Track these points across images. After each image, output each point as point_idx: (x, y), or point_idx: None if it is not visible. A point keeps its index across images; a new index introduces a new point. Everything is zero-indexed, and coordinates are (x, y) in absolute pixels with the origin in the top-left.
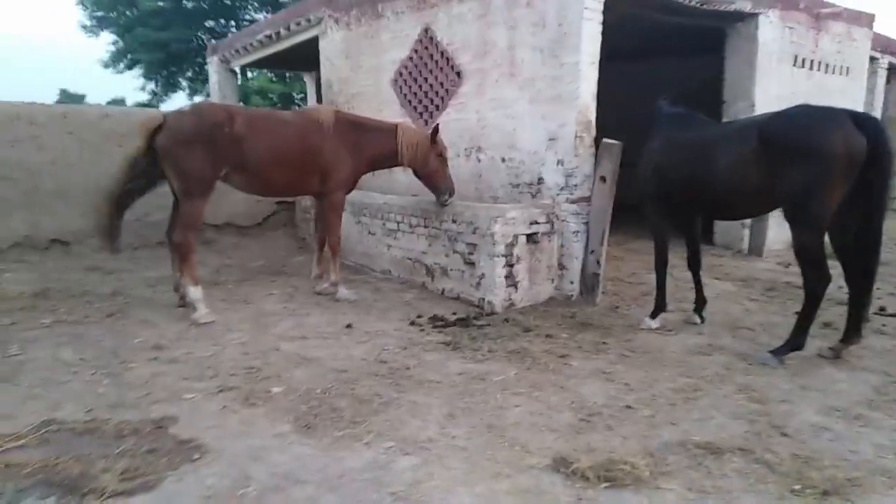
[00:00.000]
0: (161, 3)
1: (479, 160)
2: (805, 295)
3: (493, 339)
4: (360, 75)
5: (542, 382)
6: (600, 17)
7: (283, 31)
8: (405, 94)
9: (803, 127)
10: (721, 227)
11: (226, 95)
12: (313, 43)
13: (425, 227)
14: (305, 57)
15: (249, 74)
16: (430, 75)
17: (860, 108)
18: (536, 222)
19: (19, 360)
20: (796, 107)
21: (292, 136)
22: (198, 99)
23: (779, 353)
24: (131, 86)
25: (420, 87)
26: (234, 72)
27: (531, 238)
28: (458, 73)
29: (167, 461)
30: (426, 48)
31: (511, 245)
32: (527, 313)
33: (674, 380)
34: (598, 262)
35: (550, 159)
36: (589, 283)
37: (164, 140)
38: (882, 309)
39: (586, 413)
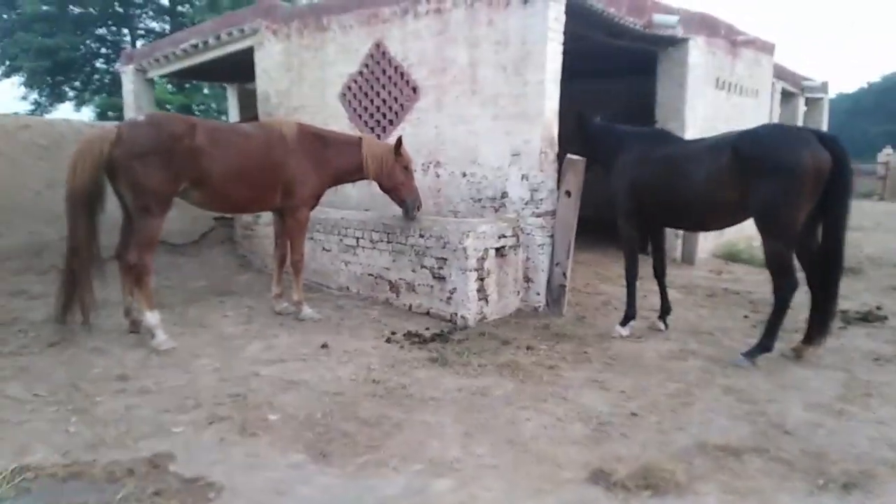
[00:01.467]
0: (46, 8)
1: (438, 175)
2: (774, 300)
3: (477, 353)
4: (302, 88)
5: (542, 395)
6: (561, 38)
7: (211, 41)
8: (355, 109)
9: (775, 145)
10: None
11: (141, 107)
12: (245, 54)
13: (388, 242)
14: (232, 68)
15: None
16: (383, 90)
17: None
18: (504, 236)
19: None
20: (766, 125)
21: (254, 149)
22: (86, 111)
23: (750, 355)
24: (10, 95)
25: (371, 101)
26: (151, 81)
27: (499, 251)
28: (414, 89)
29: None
30: (378, 63)
31: (482, 259)
32: (499, 326)
33: (664, 385)
34: (564, 274)
35: (514, 174)
36: (555, 294)
37: (118, 153)
38: (878, 308)
39: (597, 423)
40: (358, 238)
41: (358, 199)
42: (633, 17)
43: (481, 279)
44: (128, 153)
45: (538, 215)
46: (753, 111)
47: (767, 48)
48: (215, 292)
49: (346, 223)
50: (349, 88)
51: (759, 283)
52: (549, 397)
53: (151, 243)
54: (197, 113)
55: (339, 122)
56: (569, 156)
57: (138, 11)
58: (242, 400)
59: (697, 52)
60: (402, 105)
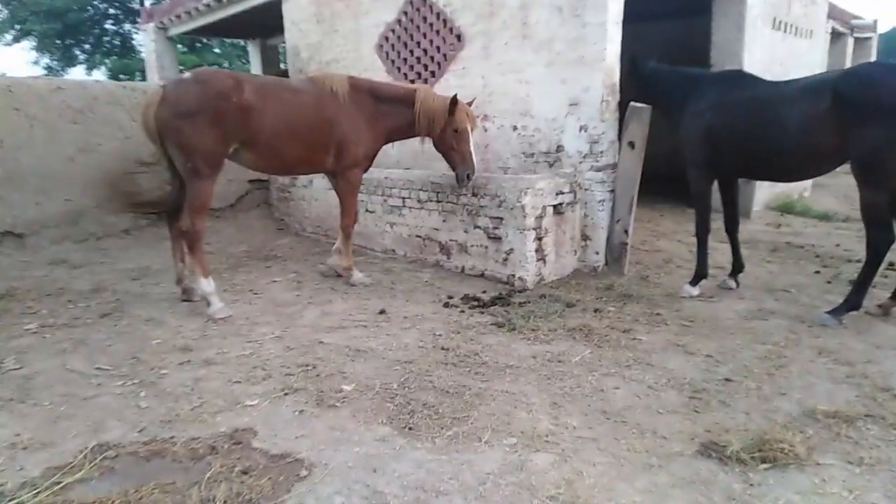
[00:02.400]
0: None
1: (486, 129)
2: (868, 254)
3: (543, 317)
4: (335, 41)
5: (623, 360)
6: None
7: None
8: (393, 61)
9: (883, 87)
10: None
11: (164, 66)
12: (269, 7)
13: (437, 202)
14: (254, 23)
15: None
16: (424, 39)
17: (819, 69)
18: (562, 192)
19: (24, 375)
20: (867, 64)
21: (305, 106)
22: (97, 74)
23: (837, 312)
24: (21, 59)
25: (412, 52)
26: (172, 40)
27: (557, 209)
28: (458, 37)
29: (271, 482)
30: (418, 10)
31: (540, 217)
32: (559, 287)
33: (752, 348)
34: (625, 231)
35: (571, 126)
36: (616, 252)
37: (165, 113)
38: (891, 264)
39: (691, 390)
40: (404, 198)
41: (398, 157)
42: None
43: (539, 238)
44: (174, 113)
45: (598, 169)
46: (808, 53)
47: None
48: (258, 257)
49: (391, 182)
50: (386, 39)
51: (821, 236)
52: (632, 363)
53: (203, 207)
54: None
55: (376, 75)
56: (633, 103)
57: None
58: (312, 370)
59: None
60: (444, 55)
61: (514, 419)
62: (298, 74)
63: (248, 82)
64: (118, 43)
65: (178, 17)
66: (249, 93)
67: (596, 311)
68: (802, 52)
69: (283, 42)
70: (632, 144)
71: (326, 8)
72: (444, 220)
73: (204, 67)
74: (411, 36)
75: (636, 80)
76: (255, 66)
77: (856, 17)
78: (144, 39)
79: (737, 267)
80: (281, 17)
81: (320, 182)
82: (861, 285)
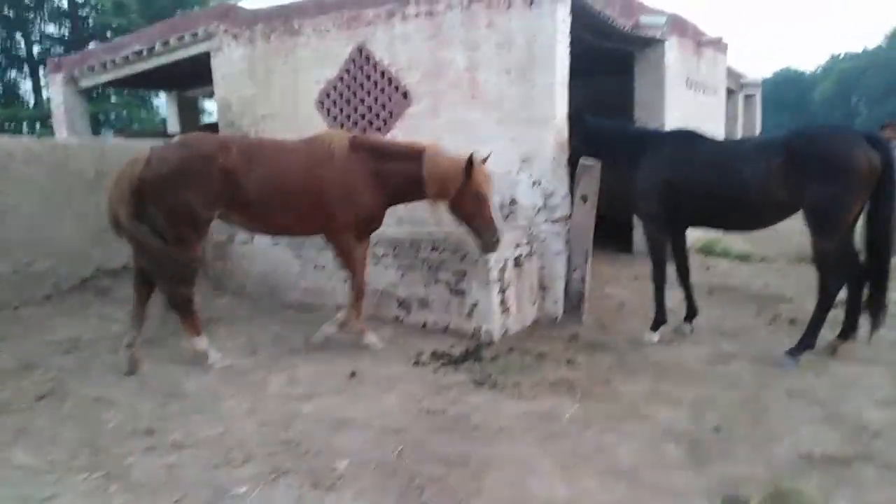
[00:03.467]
0: None
1: None
2: (820, 297)
3: (519, 371)
4: (271, 95)
5: (613, 414)
6: (568, 39)
7: (158, 47)
8: (335, 117)
9: (832, 146)
10: (639, 236)
11: (74, 120)
12: (192, 60)
13: (395, 256)
14: (171, 75)
15: (45, 94)
16: (368, 97)
17: (722, 122)
18: (520, 244)
19: None
20: (817, 127)
21: (294, 167)
22: None
23: (794, 353)
24: None
25: (355, 108)
26: (84, 92)
27: (517, 261)
28: (405, 95)
29: None
30: (361, 68)
31: (502, 270)
32: (524, 339)
33: (728, 393)
34: (582, 280)
35: (525, 181)
36: (574, 301)
37: (149, 176)
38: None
39: (688, 442)
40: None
41: None
42: (623, 19)
43: (503, 291)
44: (156, 177)
45: (553, 221)
46: (714, 109)
47: (722, 48)
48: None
49: None
50: (328, 95)
51: (748, 277)
52: (622, 416)
53: (192, 275)
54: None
55: (315, 131)
56: (583, 160)
57: (31, 15)
58: (297, 446)
59: (672, 52)
60: (391, 112)
61: (529, 488)
62: (229, 128)
63: (236, 145)
64: (0, 91)
65: (91, 68)
66: (234, 155)
67: (569, 362)
68: (708, 107)
69: (203, 94)
70: (584, 198)
71: (261, 62)
72: (402, 275)
73: (192, 133)
74: (354, 93)
75: (580, 133)
76: (172, 119)
77: (742, 76)
78: (52, 92)
79: (691, 312)
80: (202, 69)
81: (260, 239)
82: (814, 326)
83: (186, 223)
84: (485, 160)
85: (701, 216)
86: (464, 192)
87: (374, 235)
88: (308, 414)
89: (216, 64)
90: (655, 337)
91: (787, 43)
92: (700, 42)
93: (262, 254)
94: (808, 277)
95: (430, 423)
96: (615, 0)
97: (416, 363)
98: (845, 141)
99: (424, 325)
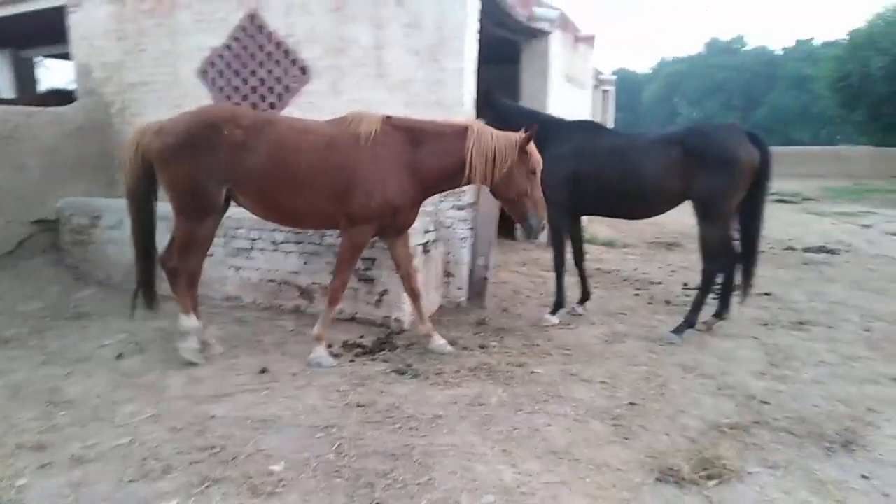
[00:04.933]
0: None
1: None
2: (703, 280)
3: (438, 359)
4: (142, 61)
5: (538, 396)
6: (478, 25)
7: None
8: (221, 88)
9: (720, 142)
10: None
11: None
12: (39, 15)
13: (297, 243)
14: (7, 31)
15: None
16: (261, 68)
17: (590, 114)
18: (428, 230)
19: None
20: (706, 124)
21: (310, 147)
22: None
23: (679, 331)
24: None
25: (245, 80)
26: None
27: (425, 247)
28: (303, 69)
29: None
30: (252, 37)
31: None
32: (434, 326)
33: (631, 370)
34: (486, 267)
35: None
36: (478, 287)
37: (155, 144)
38: (685, 285)
39: (610, 419)
40: (254, 240)
41: None
42: (520, 9)
43: None
44: (162, 145)
45: (460, 208)
46: (583, 103)
47: (591, 44)
48: (64, 316)
49: (236, 223)
50: (212, 65)
51: (619, 262)
52: (546, 397)
53: (190, 249)
54: None
55: (198, 102)
56: None
57: None
58: (222, 451)
59: (556, 45)
60: (287, 87)
61: (477, 475)
62: (88, 96)
63: (246, 117)
64: None
65: None
66: (245, 127)
67: (482, 347)
68: (581, 101)
69: (43, 56)
70: None
71: (132, 24)
72: (305, 263)
73: (212, 105)
74: (244, 64)
75: (488, 114)
76: (3, 83)
77: (601, 73)
78: None
79: (585, 295)
80: (50, 27)
81: None
82: (696, 307)
83: (190, 195)
84: (531, 136)
85: (602, 205)
86: (515, 171)
87: None
88: (223, 416)
89: (75, 22)
90: (555, 319)
91: (623, 44)
92: (577, 38)
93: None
94: (668, 261)
95: (362, 417)
96: None
97: (330, 355)
98: (733, 138)
99: None
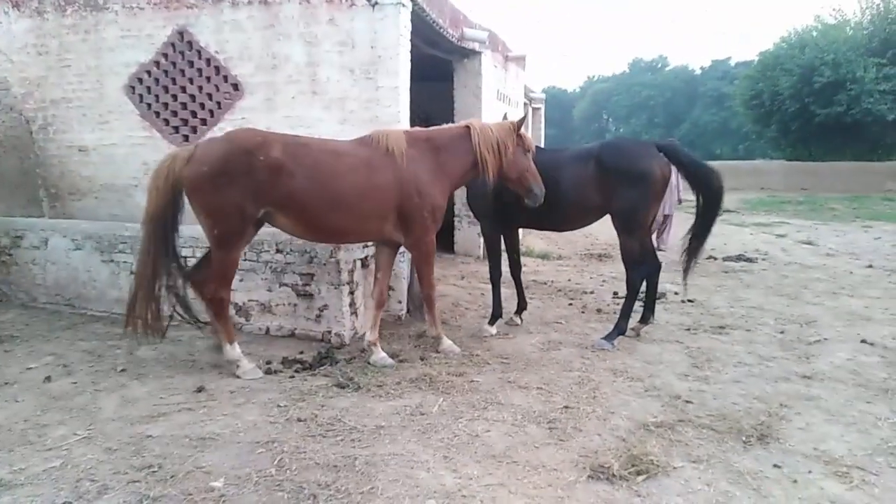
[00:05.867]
0: None
1: None
2: (628, 289)
3: (380, 371)
4: (66, 77)
5: (477, 404)
6: (409, 44)
7: None
8: (149, 104)
9: (633, 157)
10: (460, 238)
11: None
12: None
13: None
14: None
15: None
16: (191, 85)
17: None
18: (366, 245)
19: None
20: (617, 139)
21: (352, 170)
22: None
23: (610, 337)
24: None
25: (174, 97)
26: None
27: (364, 262)
28: (235, 86)
29: None
30: (182, 53)
31: (351, 272)
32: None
33: (565, 376)
34: None
35: None
36: (417, 301)
37: (189, 172)
38: (615, 293)
39: (545, 422)
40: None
41: None
42: (452, 29)
43: (352, 293)
44: (197, 172)
45: None
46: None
47: (521, 63)
48: None
49: None
50: (140, 81)
51: (553, 273)
52: (485, 404)
53: (227, 277)
54: None
55: (126, 119)
56: None
57: None
58: (160, 470)
59: (487, 64)
60: (218, 103)
61: (419, 481)
62: (6, 113)
63: (280, 141)
64: None
65: None
66: (279, 152)
67: (422, 359)
68: (514, 118)
69: None
70: None
71: (53, 39)
72: (240, 280)
73: (240, 129)
74: (174, 80)
75: None
76: None
77: (531, 91)
78: None
79: (521, 305)
80: None
81: (58, 242)
82: (625, 314)
83: (229, 222)
84: (521, 121)
85: (529, 218)
86: (517, 153)
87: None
88: (160, 435)
89: None
90: (493, 329)
91: (552, 63)
92: (507, 57)
93: (59, 259)
94: (600, 272)
95: (303, 431)
96: (445, 11)
97: (270, 371)
98: (645, 152)
99: (267, 331)
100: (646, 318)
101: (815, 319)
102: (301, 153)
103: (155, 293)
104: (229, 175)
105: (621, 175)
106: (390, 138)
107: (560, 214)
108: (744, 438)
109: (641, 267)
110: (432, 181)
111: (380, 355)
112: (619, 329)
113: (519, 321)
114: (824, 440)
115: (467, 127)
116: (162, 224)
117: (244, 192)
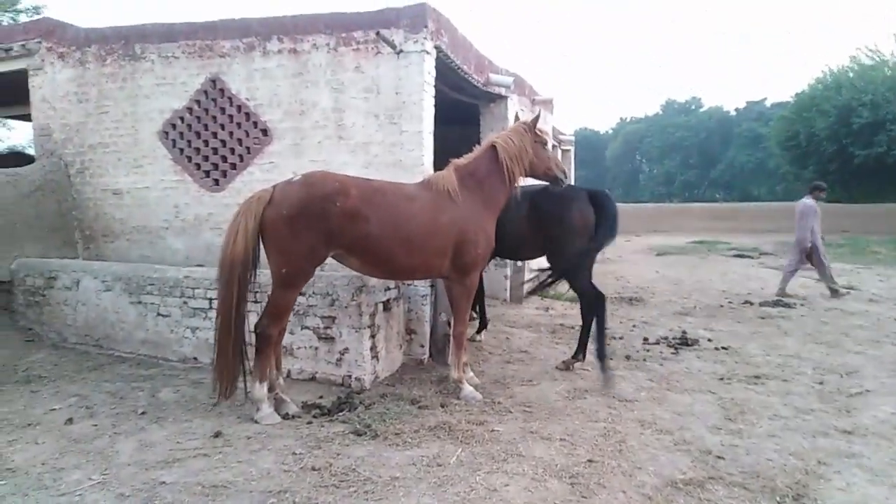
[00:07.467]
0: None
1: None
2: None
3: (397, 418)
4: (104, 123)
5: (497, 455)
6: (433, 90)
7: None
8: (182, 149)
9: (557, 202)
10: (486, 280)
11: None
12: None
13: (255, 302)
14: None
15: None
16: (222, 130)
17: None
18: (388, 288)
19: None
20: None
21: (421, 212)
22: None
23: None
24: None
25: (206, 142)
26: None
27: (386, 305)
28: (265, 131)
29: None
30: (214, 101)
31: (373, 315)
32: (395, 384)
33: (590, 427)
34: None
35: None
36: (440, 344)
37: (271, 213)
38: (645, 339)
39: (567, 477)
40: (211, 300)
41: (187, 253)
42: (477, 75)
43: (373, 336)
44: (276, 216)
45: None
46: None
47: (549, 106)
48: (14, 379)
49: (194, 283)
50: (173, 126)
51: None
52: (505, 456)
53: (282, 315)
54: None
55: (158, 163)
56: None
57: None
58: None
59: (514, 108)
60: (248, 148)
61: None
62: (48, 157)
63: (355, 187)
64: None
65: None
66: (356, 198)
67: (442, 406)
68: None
69: (3, 116)
70: None
71: (93, 87)
72: None
73: (316, 171)
74: (205, 126)
75: None
76: None
77: (561, 133)
78: None
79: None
80: (10, 89)
81: (89, 283)
82: (583, 344)
83: (300, 264)
84: (536, 119)
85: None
86: (538, 150)
87: None
88: (173, 482)
89: (35, 84)
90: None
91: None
92: (534, 100)
93: (89, 300)
94: (630, 316)
95: (317, 481)
96: (470, 58)
97: (286, 416)
98: (568, 199)
99: (289, 374)
100: (576, 354)
101: (856, 369)
102: (376, 199)
103: (237, 338)
104: (307, 219)
105: (547, 217)
106: (445, 180)
107: (510, 246)
108: (778, 499)
109: (588, 304)
110: (483, 214)
111: (466, 391)
112: (601, 360)
113: (480, 338)
114: (866, 503)
115: (493, 147)
116: (246, 266)
117: (318, 236)
